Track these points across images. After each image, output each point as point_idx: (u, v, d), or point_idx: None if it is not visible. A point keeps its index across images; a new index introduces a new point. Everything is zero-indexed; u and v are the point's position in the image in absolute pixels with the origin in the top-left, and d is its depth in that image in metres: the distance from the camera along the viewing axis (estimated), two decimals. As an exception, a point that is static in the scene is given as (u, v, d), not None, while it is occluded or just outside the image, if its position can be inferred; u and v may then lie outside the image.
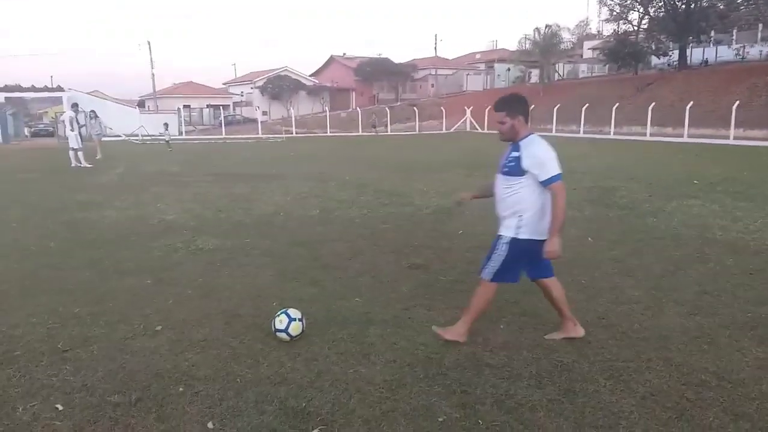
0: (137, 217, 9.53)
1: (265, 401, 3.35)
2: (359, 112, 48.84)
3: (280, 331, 4.17)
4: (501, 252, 3.99)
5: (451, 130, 44.81)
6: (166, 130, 29.94)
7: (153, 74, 69.06)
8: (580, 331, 4.24)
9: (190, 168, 17.97)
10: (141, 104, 64.98)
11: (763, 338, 4.20)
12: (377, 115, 48.79)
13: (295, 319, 4.19)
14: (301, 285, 5.62)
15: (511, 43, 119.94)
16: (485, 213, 8.56)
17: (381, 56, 69.81)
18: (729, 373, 3.66)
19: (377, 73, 67.43)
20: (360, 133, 42.75)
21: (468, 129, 45.77)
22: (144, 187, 13.15)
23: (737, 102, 30.60)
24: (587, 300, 5.07)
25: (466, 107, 47.37)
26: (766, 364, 3.78)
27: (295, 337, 4.18)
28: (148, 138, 37.82)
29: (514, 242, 3.95)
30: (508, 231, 3.98)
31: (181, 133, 43.44)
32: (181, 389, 3.51)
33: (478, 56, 74.65)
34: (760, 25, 41.96)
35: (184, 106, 57.40)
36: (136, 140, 37.93)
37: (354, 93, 68.20)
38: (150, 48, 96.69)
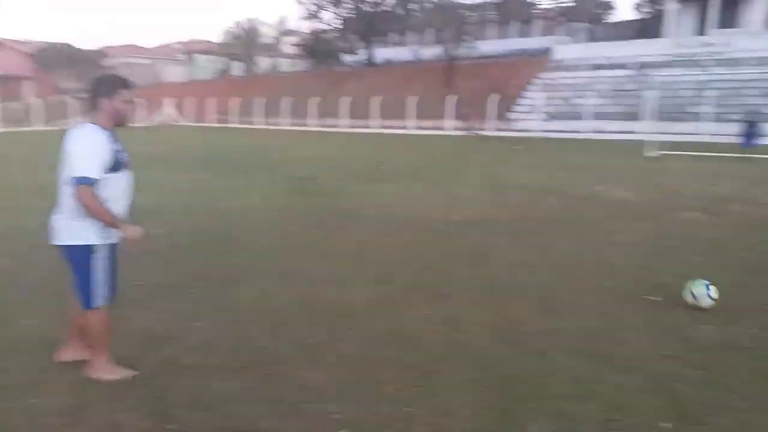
0: None
1: None
2: (40, 102, 42.51)
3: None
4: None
5: (152, 123, 42.12)
6: None
7: None
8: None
9: None
10: None
11: (427, 297, 4.92)
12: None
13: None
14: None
15: (213, 35, 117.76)
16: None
17: (63, 42, 61.62)
18: (403, 331, 4.19)
19: (59, 60, 59.39)
20: (45, 128, 37.21)
21: (169, 121, 43.60)
22: None
23: (414, 96, 35.22)
24: (285, 285, 5.27)
25: (165, 99, 45.03)
26: (430, 319, 4.43)
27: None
28: None
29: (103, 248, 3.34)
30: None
31: None
32: None
33: (177, 46, 71.30)
34: (430, 30, 48.69)
35: None
36: None
37: (30, 82, 58.97)
38: None
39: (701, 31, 36.60)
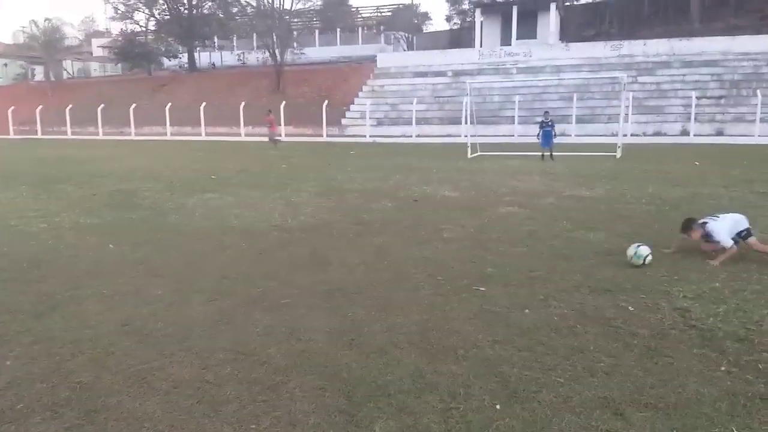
0: None
1: None
2: None
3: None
4: None
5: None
6: None
7: None
8: None
9: None
10: None
11: (269, 308, 4.81)
12: None
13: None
14: None
15: (3, 35, 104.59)
16: None
17: None
18: (243, 346, 4.05)
19: None
20: None
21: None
22: None
23: (243, 102, 34.38)
24: (110, 309, 4.83)
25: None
26: (272, 330, 4.33)
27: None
28: None
29: None
30: None
31: None
32: None
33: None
34: (255, 35, 47.90)
35: None
36: None
37: None
38: None
39: (505, 41, 40.49)
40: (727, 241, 5.98)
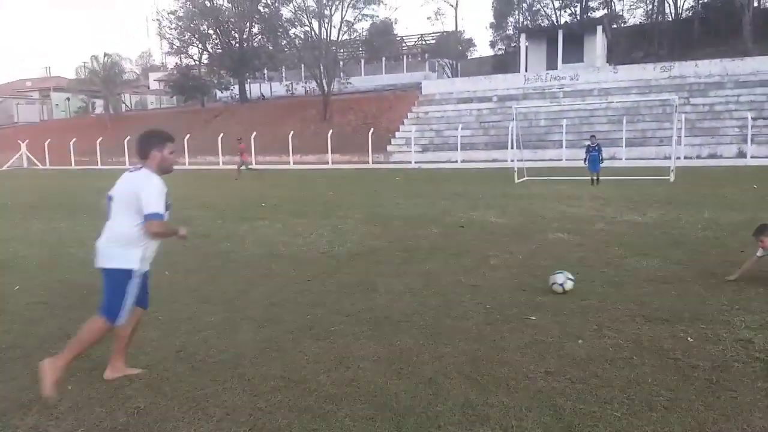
0: None
1: None
2: None
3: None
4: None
5: (5, 167, 38.39)
6: None
7: None
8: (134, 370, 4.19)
9: None
10: None
11: (318, 335, 4.85)
12: None
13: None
14: None
15: (67, 71, 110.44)
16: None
17: None
18: (294, 373, 4.08)
19: None
20: None
21: (26, 165, 40.11)
22: None
23: (291, 132, 35.18)
24: (165, 336, 4.96)
25: (20, 141, 41.35)
26: (321, 358, 4.36)
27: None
28: None
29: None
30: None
31: None
32: None
33: (29, 83, 66.03)
34: (303, 66, 49.21)
35: None
36: None
37: None
38: None
39: (551, 65, 40.23)
40: None
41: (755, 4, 43.58)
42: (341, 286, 6.47)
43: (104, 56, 50.50)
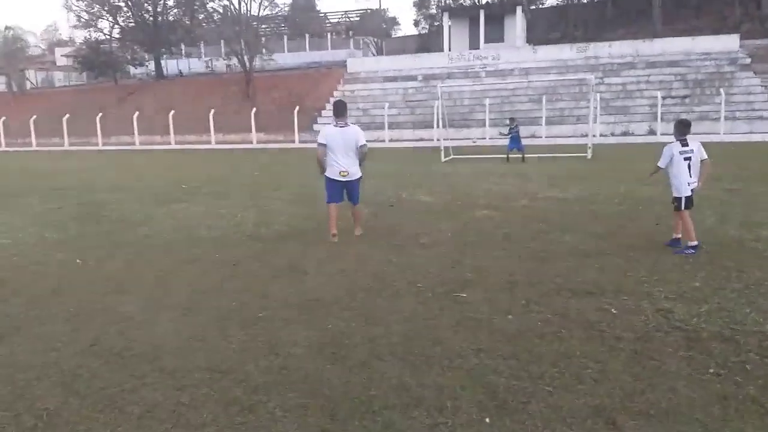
0: None
1: None
2: None
3: None
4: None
5: None
6: None
7: None
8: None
9: None
10: None
11: (245, 322, 4.64)
12: None
13: None
14: None
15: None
16: None
17: None
18: (219, 364, 3.87)
19: None
20: None
21: None
22: None
23: (213, 110, 33.91)
24: (77, 329, 4.60)
25: None
26: (248, 346, 4.16)
27: None
28: None
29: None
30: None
31: None
32: None
33: None
34: (222, 41, 47.35)
35: None
36: None
37: None
38: None
39: (474, 45, 40.77)
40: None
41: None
42: (269, 269, 6.24)
43: (5, 29, 46.73)
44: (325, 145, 7.35)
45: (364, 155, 7.44)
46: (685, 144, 6.49)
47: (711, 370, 3.58)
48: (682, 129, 6.59)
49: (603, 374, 3.56)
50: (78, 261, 6.84)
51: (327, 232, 7.47)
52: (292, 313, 4.83)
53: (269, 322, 4.64)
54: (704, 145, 6.69)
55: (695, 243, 6.34)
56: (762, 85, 29.23)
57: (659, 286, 5.20)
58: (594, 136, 21.01)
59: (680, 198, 6.51)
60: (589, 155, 18.04)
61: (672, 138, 6.68)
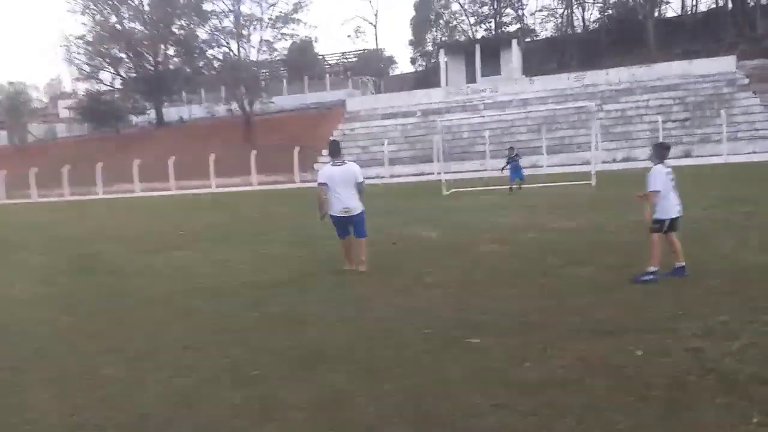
0: None
1: None
2: None
3: None
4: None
5: None
6: None
7: None
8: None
9: None
10: None
11: (238, 381, 4.26)
12: None
13: None
14: None
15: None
16: None
17: None
18: (208, 430, 3.50)
19: None
20: None
21: None
22: None
23: (213, 154, 33.97)
24: (55, 396, 4.23)
25: None
26: (240, 411, 3.77)
27: None
28: None
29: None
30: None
31: None
32: None
33: None
34: (223, 87, 47.84)
35: None
36: None
37: None
38: None
39: (470, 79, 41.04)
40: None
41: (656, 14, 46.28)
42: (266, 319, 5.89)
43: (8, 84, 47.41)
44: (325, 184, 7.51)
45: (361, 192, 7.63)
46: (667, 166, 6.42)
47: (755, 420, 3.19)
48: (663, 152, 6.57)
49: (635, 430, 3.17)
50: (64, 318, 6.50)
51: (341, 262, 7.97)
52: (290, 368, 4.46)
53: (263, 380, 4.26)
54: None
55: (655, 269, 6.11)
56: (762, 105, 29.12)
57: (684, 322, 4.82)
58: (596, 162, 20.81)
59: (664, 220, 6.36)
60: (594, 182, 17.77)
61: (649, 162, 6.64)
